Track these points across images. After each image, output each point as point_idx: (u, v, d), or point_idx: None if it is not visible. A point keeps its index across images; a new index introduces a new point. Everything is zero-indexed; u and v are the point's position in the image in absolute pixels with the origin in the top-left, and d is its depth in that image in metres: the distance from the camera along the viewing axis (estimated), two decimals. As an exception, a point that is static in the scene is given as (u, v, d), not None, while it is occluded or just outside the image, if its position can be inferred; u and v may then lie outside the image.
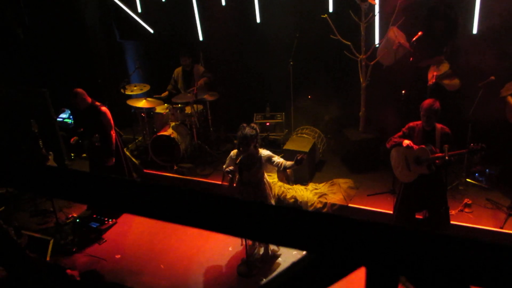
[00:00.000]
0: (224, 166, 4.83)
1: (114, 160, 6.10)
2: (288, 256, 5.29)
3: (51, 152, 7.26)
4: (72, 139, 6.40)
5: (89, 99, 5.98)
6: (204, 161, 7.22)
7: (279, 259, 5.27)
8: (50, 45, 8.20)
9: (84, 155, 7.23)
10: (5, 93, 7.36)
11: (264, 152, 4.78)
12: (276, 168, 4.80)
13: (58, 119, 8.29)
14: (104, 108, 5.98)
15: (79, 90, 5.93)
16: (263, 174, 4.94)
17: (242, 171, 4.63)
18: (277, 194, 6.16)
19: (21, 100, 7.31)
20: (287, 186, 6.33)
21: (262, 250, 5.31)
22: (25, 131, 6.85)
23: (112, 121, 6.03)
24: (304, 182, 6.50)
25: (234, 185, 4.86)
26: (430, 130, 4.78)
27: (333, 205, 5.96)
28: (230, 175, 4.77)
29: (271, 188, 5.09)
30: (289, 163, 4.71)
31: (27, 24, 8.12)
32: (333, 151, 7.38)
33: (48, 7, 8.03)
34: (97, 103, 6.02)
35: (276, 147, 7.43)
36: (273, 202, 5.08)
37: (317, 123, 7.41)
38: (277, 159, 4.73)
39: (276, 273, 5.00)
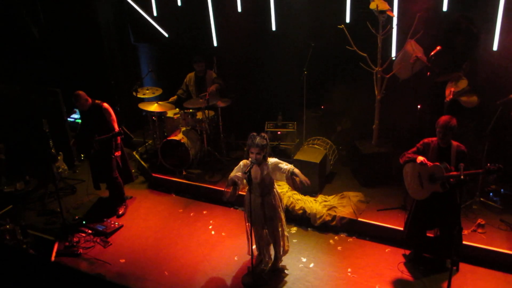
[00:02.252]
0: (230, 174, 4.81)
1: (119, 154, 6.20)
2: (294, 270, 5.24)
3: (60, 152, 7.32)
4: (71, 142, 6.42)
5: (90, 100, 6.06)
6: (213, 168, 7.16)
7: (286, 271, 5.21)
8: (64, 45, 8.26)
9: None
10: (18, 92, 7.51)
11: (272, 160, 4.75)
12: (285, 176, 4.75)
13: (70, 119, 8.38)
14: (105, 105, 6.08)
15: (80, 92, 5.99)
16: (273, 184, 4.89)
17: (251, 181, 4.59)
18: (286, 205, 6.11)
19: (34, 100, 7.40)
20: (296, 197, 6.28)
21: (270, 263, 5.25)
22: (36, 130, 6.90)
23: (114, 115, 6.13)
24: (313, 193, 6.44)
25: (238, 192, 4.80)
26: (446, 147, 4.70)
27: (342, 218, 5.89)
28: (232, 186, 4.70)
29: (281, 200, 5.03)
30: (296, 170, 4.66)
31: (43, 24, 8.18)
32: (344, 163, 7.31)
33: (63, 7, 8.07)
34: (98, 101, 6.10)
35: (286, 157, 7.34)
36: (282, 214, 5.02)
37: (329, 134, 7.35)
38: (285, 165, 4.67)
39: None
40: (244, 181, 4.71)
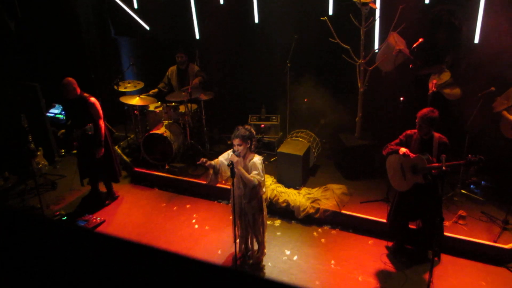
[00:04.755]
0: (219, 157, 4.83)
1: (103, 151, 6.10)
2: (278, 262, 5.24)
3: (40, 148, 7.20)
4: (60, 132, 6.33)
5: (79, 90, 5.96)
6: (196, 161, 7.11)
7: (269, 264, 5.21)
8: (42, 39, 8.04)
9: (75, 151, 7.17)
10: (-5, 87, 7.37)
11: (256, 158, 4.70)
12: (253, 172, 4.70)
13: (49, 114, 8.19)
14: (92, 99, 5.96)
15: (71, 79, 5.89)
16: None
17: (234, 173, 4.57)
18: (269, 198, 6.16)
19: (11, 94, 7.23)
20: (279, 189, 6.33)
21: (254, 256, 5.25)
22: (15, 126, 6.78)
23: (101, 112, 6.02)
24: (297, 186, 6.48)
25: (221, 180, 4.83)
26: (428, 138, 4.73)
27: (325, 210, 5.93)
28: (212, 168, 4.74)
29: (261, 205, 4.95)
30: (255, 183, 4.63)
31: (20, 17, 7.97)
32: (327, 156, 7.37)
33: (41, 0, 7.90)
34: (86, 94, 5.99)
35: (270, 150, 7.46)
36: (264, 214, 5.00)
37: (312, 127, 7.38)
38: (256, 174, 4.63)
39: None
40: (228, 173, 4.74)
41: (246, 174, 4.62)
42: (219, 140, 7.90)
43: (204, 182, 4.98)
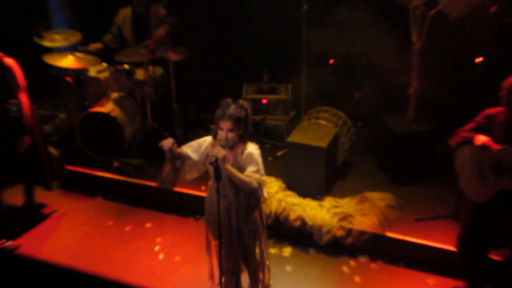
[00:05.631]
0: (183, 147, 4.78)
1: (30, 141, 6.06)
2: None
3: None
4: None
5: None
6: (162, 156, 6.99)
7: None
8: None
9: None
10: None
11: (251, 148, 4.71)
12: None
13: None
14: (9, 61, 5.98)
15: None
16: None
17: (219, 174, 4.49)
18: (275, 213, 6.19)
19: None
20: (290, 200, 6.36)
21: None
22: None
23: (22, 80, 6.04)
24: (318, 195, 6.46)
25: (184, 176, 4.82)
26: (521, 121, 4.77)
27: (361, 233, 5.94)
28: (171, 161, 4.71)
29: (261, 221, 4.98)
30: (255, 185, 4.58)
31: None
32: (365, 149, 7.39)
33: None
34: (0, 54, 6.03)
35: (276, 139, 7.47)
36: (261, 227, 4.95)
37: (342, 104, 7.37)
38: (252, 170, 4.59)
39: None
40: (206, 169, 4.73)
41: (239, 174, 4.55)
42: (197, 122, 7.91)
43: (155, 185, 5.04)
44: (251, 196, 4.69)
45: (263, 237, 5.01)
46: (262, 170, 4.66)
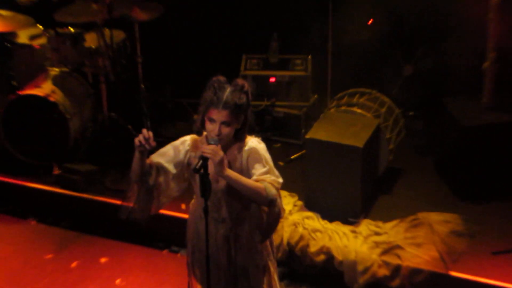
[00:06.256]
0: (151, 157, 4.63)
1: None
2: None
3: None
4: None
5: None
6: (123, 160, 6.79)
7: None
8: None
9: None
10: None
11: (252, 142, 4.54)
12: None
13: None
14: None
15: None
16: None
17: (208, 186, 4.31)
18: (288, 243, 6.20)
19: None
20: (310, 224, 6.39)
21: None
22: None
23: None
24: (350, 217, 6.46)
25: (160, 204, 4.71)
26: None
27: (414, 272, 5.86)
28: (139, 181, 4.56)
29: (272, 244, 4.94)
30: (273, 191, 4.44)
31: None
32: (419, 149, 7.51)
33: None
34: None
35: (289, 135, 7.65)
36: (271, 263, 4.91)
37: (386, 84, 7.61)
38: (262, 171, 4.46)
39: None
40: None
41: (247, 181, 4.45)
42: (174, 111, 8.08)
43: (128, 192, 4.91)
44: (270, 211, 4.55)
45: (275, 276, 4.93)
46: (275, 170, 4.52)
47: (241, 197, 4.65)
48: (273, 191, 4.37)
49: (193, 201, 4.78)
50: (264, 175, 4.42)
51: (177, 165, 4.55)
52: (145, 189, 4.55)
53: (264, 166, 4.43)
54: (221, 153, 4.26)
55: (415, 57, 7.76)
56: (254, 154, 4.47)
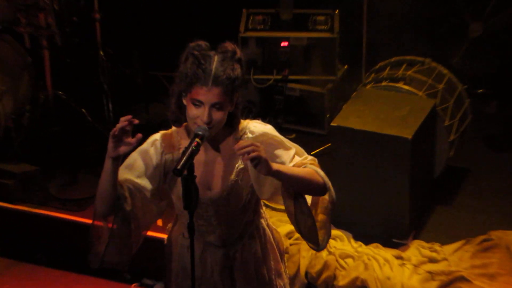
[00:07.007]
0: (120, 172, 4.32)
1: None
2: None
3: None
4: None
5: None
6: (74, 157, 7.26)
7: None
8: None
9: None
10: None
11: (259, 127, 4.47)
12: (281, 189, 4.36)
13: None
14: None
15: None
16: (257, 209, 4.61)
17: (193, 198, 4.24)
18: (307, 273, 6.41)
19: None
20: (338, 247, 6.51)
21: None
22: None
23: None
24: (395, 235, 6.58)
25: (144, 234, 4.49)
26: None
27: None
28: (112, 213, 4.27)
29: (282, 255, 4.86)
30: (321, 171, 4.45)
31: None
32: (492, 142, 7.61)
33: None
34: None
35: (309, 122, 7.62)
36: None
37: (444, 50, 7.75)
38: (290, 152, 4.52)
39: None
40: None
41: (296, 170, 4.38)
42: (145, 88, 8.29)
43: (96, 225, 4.62)
44: (330, 197, 4.53)
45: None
46: (299, 147, 4.51)
47: (237, 209, 4.62)
48: (322, 171, 4.43)
49: (170, 224, 4.63)
50: (298, 158, 4.47)
51: (152, 177, 4.37)
52: (120, 219, 4.42)
53: (289, 148, 4.45)
54: (261, 146, 4.30)
55: (486, 11, 7.73)
56: (268, 140, 4.42)
